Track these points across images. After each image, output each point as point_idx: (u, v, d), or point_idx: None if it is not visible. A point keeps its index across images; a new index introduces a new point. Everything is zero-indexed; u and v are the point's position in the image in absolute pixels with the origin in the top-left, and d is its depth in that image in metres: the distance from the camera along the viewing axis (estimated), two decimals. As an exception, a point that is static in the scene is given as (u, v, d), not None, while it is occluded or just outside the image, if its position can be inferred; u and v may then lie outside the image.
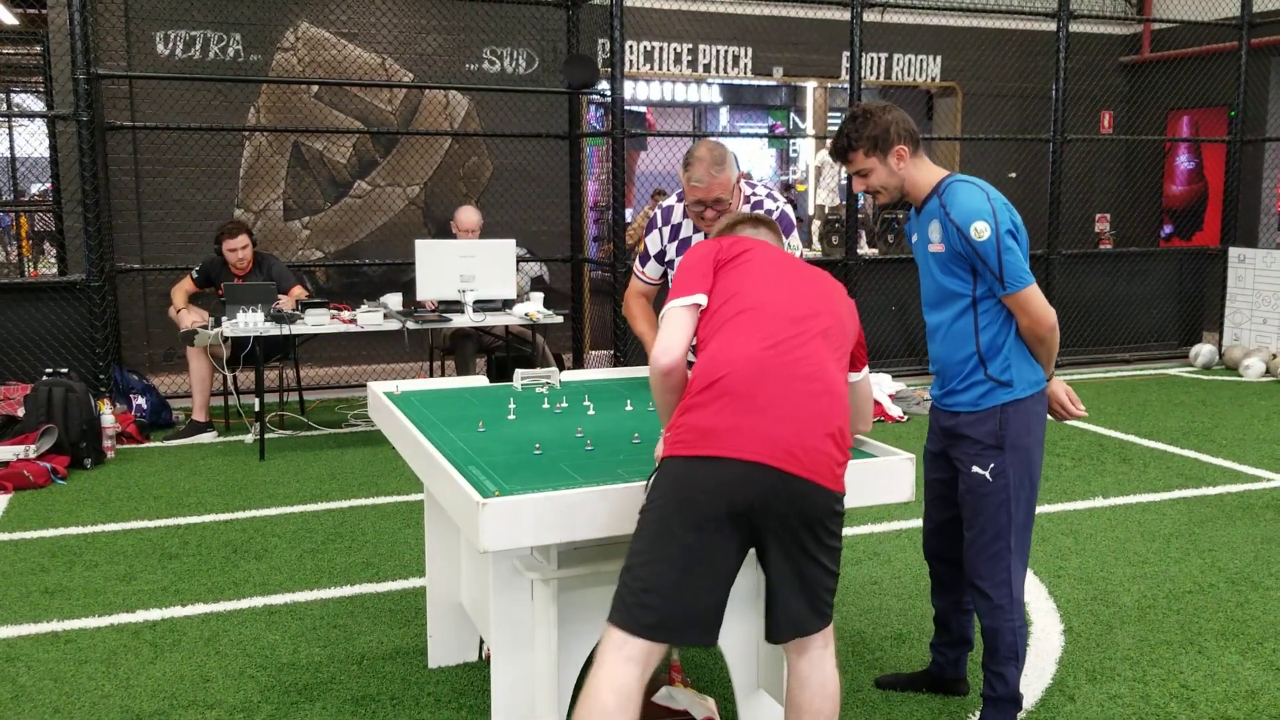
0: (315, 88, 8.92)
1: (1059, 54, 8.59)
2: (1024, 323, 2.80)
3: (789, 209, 3.67)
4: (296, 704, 3.24)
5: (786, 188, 18.18)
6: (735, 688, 2.92)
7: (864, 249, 14.81)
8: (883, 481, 2.69)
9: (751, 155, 19.34)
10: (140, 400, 6.81)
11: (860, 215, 17.72)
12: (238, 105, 8.75)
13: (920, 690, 3.25)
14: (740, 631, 2.87)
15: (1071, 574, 4.28)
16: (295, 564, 4.42)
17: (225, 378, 6.48)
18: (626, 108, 16.37)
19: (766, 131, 19.51)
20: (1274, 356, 8.51)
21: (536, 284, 9.51)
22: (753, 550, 2.33)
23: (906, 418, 7.10)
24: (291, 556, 4.51)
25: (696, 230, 3.61)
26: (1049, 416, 3.01)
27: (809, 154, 17.32)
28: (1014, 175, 11.84)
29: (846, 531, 4.71)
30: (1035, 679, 3.40)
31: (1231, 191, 9.48)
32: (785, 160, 20.26)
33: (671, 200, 3.70)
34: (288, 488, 5.54)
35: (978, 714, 3.07)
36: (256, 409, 6.21)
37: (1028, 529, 2.91)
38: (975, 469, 2.86)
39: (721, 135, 18.80)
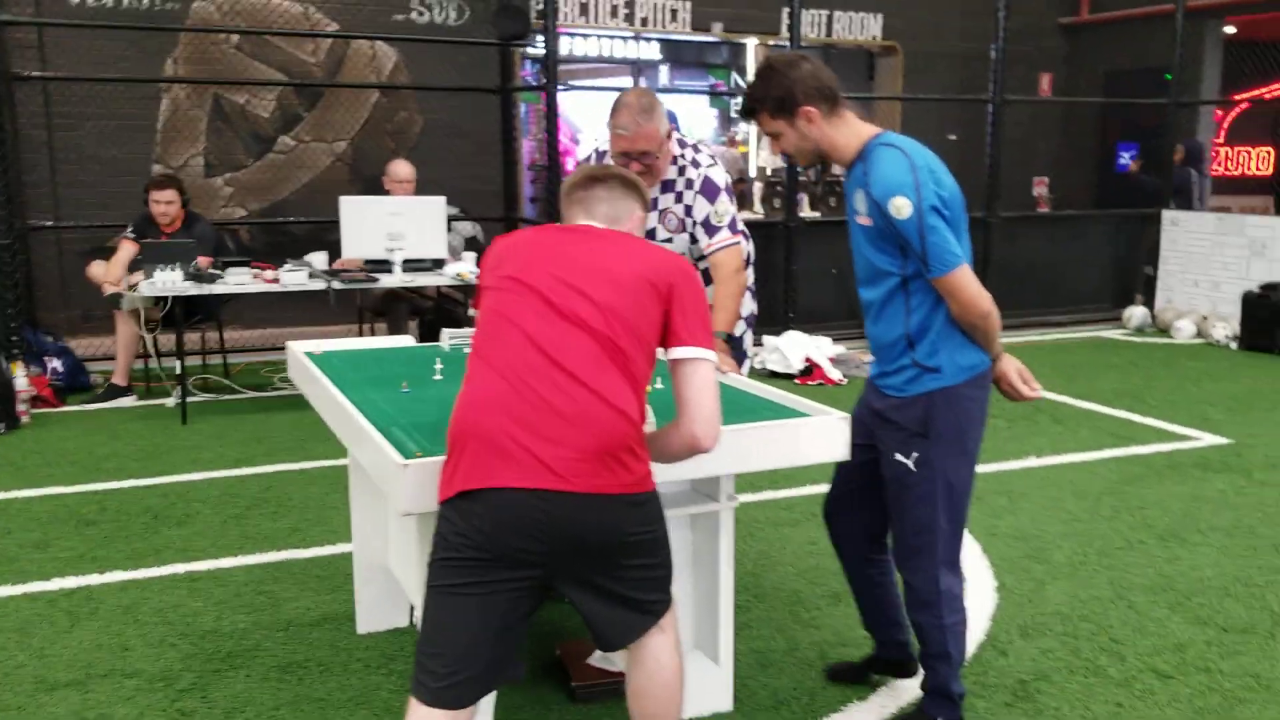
0: (235, 38, 8.61)
1: (997, 13, 8.57)
2: (954, 308, 2.52)
3: (718, 173, 3.49)
4: (219, 672, 3.14)
5: (734, 143, 18.05)
6: (669, 650, 2.86)
7: (806, 211, 14.82)
8: (818, 441, 2.63)
9: (693, 115, 19.21)
10: (55, 363, 6.57)
11: (804, 177, 17.77)
12: (154, 56, 8.41)
13: (873, 676, 3.07)
14: (675, 593, 2.81)
15: (1005, 532, 4.30)
16: (219, 530, 4.28)
17: (144, 339, 6.25)
18: (563, 64, 16.10)
19: (707, 90, 19.39)
20: (1204, 319, 8.64)
21: (470, 244, 9.33)
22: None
23: (846, 381, 7.11)
24: (215, 522, 4.37)
25: None
26: (1007, 395, 2.75)
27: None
28: (955, 137, 11.88)
29: (783, 493, 4.72)
30: (969, 635, 3.39)
31: (1166, 154, 9.57)
32: (727, 120, 20.17)
33: (604, 145, 3.52)
34: (211, 452, 5.38)
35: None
36: (178, 372, 6.01)
37: (958, 523, 2.68)
38: (898, 456, 2.62)
39: (661, 92, 18.65)
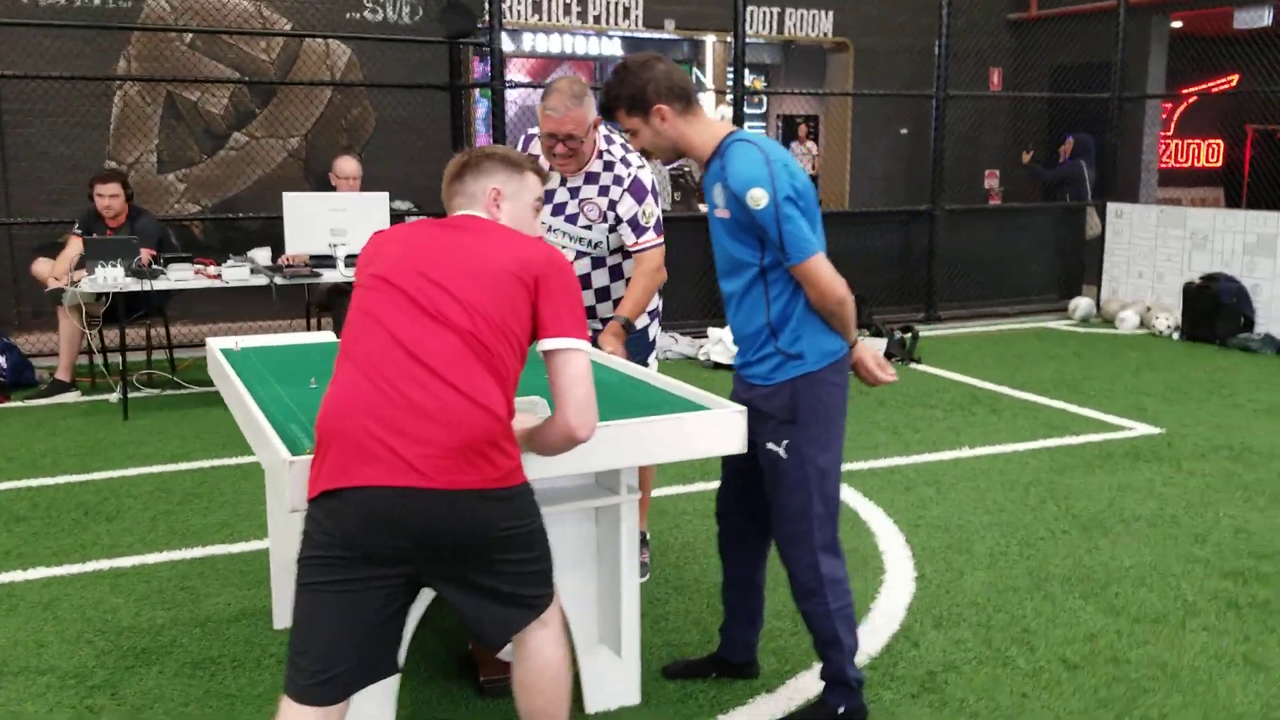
0: (189, 36, 8.58)
1: (941, 10, 8.64)
2: (811, 295, 2.61)
3: (646, 174, 3.58)
4: (133, 668, 3.14)
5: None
6: (575, 642, 2.89)
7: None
8: (715, 433, 2.66)
9: (655, 110, 19.24)
10: (0, 359, 6.53)
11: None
12: (107, 53, 8.39)
13: (709, 676, 3.07)
14: (577, 586, 2.84)
15: (930, 523, 4.35)
16: (148, 525, 4.28)
17: (86, 335, 6.23)
18: (521, 59, 16.04)
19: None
20: (1147, 309, 8.75)
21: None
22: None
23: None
24: (145, 518, 4.37)
25: (550, 169, 3.53)
26: (864, 380, 2.85)
27: (711, 110, 17.29)
28: (905, 131, 11.98)
29: (713, 484, 4.65)
30: (883, 626, 3.45)
31: (1111, 147, 9.67)
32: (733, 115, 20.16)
33: (534, 130, 3.60)
34: (149, 447, 5.37)
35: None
36: (121, 368, 5.99)
37: (832, 507, 2.74)
38: (770, 445, 2.68)
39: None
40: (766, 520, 2.86)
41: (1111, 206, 9.33)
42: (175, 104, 8.90)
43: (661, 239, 3.60)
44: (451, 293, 2.16)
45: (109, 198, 6.40)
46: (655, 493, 4.67)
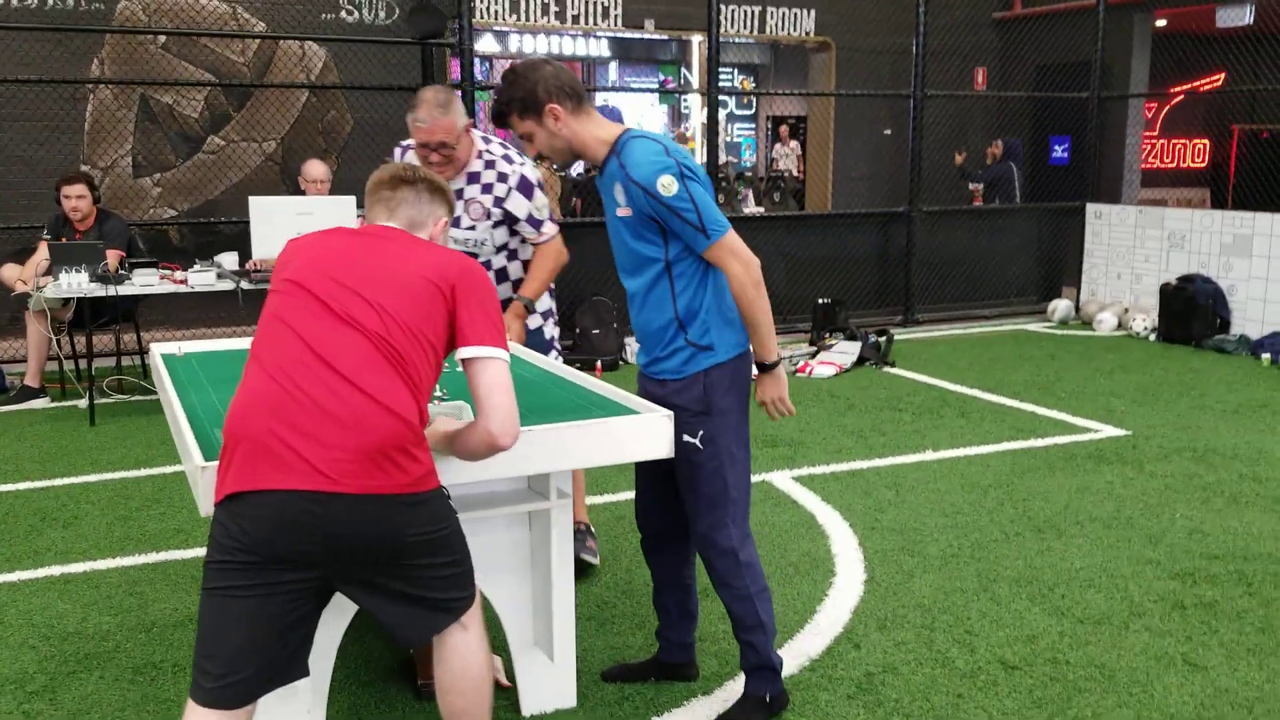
0: (162, 38, 8.59)
1: (919, 9, 8.64)
2: (735, 269, 2.60)
3: (530, 170, 3.69)
4: (74, 674, 3.15)
5: (684, 139, 18.11)
6: (510, 645, 2.90)
7: (751, 207, 14.89)
8: (642, 438, 2.66)
9: (643, 112, 19.26)
10: (-32, 365, 6.52)
11: (748, 174, 17.85)
12: (79, 56, 8.39)
13: (648, 679, 3.08)
14: (511, 590, 2.85)
15: (885, 526, 4.35)
16: (103, 531, 4.29)
17: (53, 341, 6.23)
18: (506, 61, 15.99)
19: (658, 87, 19.43)
20: (1125, 311, 8.75)
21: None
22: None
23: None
24: (101, 524, 4.37)
25: None
26: (762, 402, 2.85)
27: (697, 112, 17.31)
28: (889, 132, 11.98)
29: (610, 498, 4.69)
30: (827, 628, 3.46)
31: (1091, 147, 9.68)
32: (677, 117, 20.22)
33: (410, 141, 3.71)
34: (113, 453, 5.37)
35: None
36: (88, 373, 6.00)
37: (745, 492, 2.80)
38: (685, 437, 2.71)
39: (610, 90, 18.67)
40: (684, 519, 2.87)
41: (1090, 207, 9.33)
42: (150, 107, 8.90)
43: (557, 227, 3.79)
44: (364, 297, 2.17)
45: (75, 199, 6.39)
46: (610, 498, 4.69)
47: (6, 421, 6.01)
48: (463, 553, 2.29)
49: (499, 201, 3.65)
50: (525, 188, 3.65)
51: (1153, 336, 8.36)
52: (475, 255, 3.73)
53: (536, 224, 3.70)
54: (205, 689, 2.08)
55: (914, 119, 8.92)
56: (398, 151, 3.79)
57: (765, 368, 2.77)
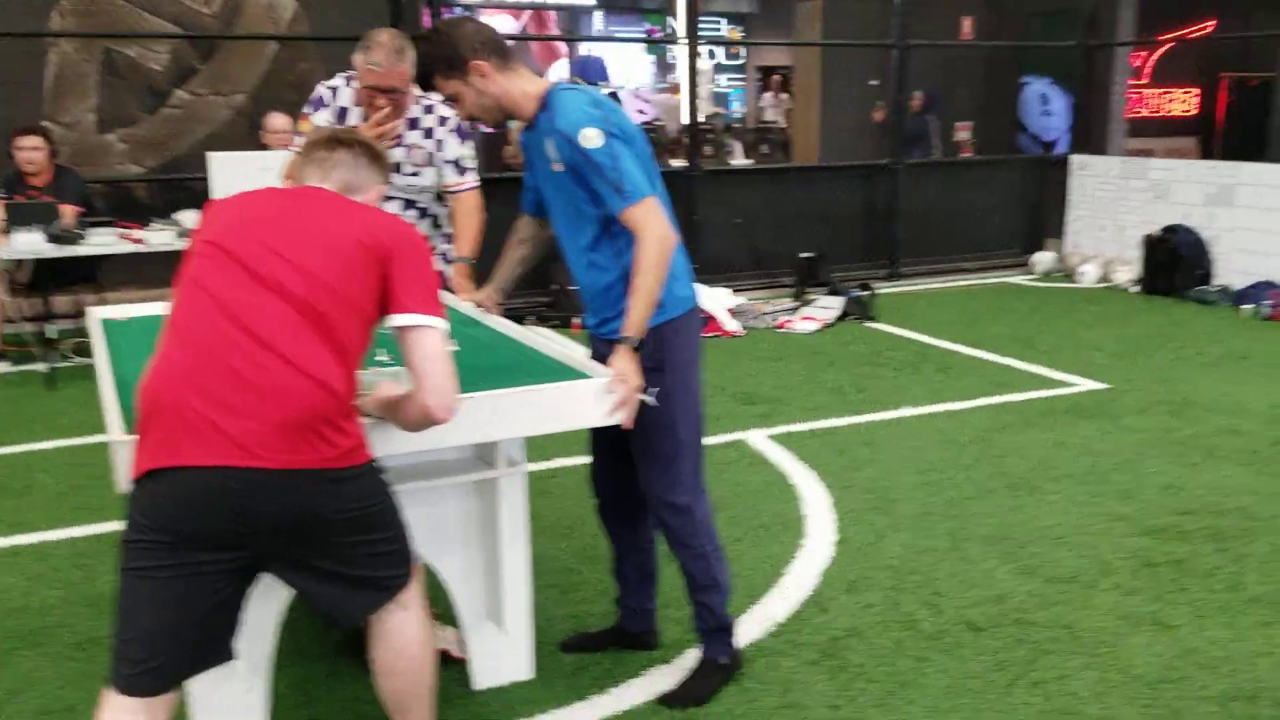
0: (125, -10, 8.35)
1: (900, -45, 8.45)
2: (648, 236, 2.43)
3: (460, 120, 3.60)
4: (15, 650, 3.06)
5: (676, 90, 17.82)
6: (462, 619, 2.81)
7: (740, 159, 14.70)
8: (592, 403, 2.54)
9: (630, 62, 18.97)
10: (-74, 328, 6.37)
11: (736, 125, 17.63)
12: (37, 9, 8.15)
13: (608, 648, 3.02)
14: (461, 562, 2.76)
15: (860, 485, 4.27)
16: (55, 501, 4.18)
17: (5, 303, 6.09)
18: (489, 9, 15.72)
19: (644, 36, 19.16)
20: (1108, 263, 8.65)
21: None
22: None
23: (745, 332, 7.05)
24: (54, 493, 4.27)
25: (365, 119, 3.47)
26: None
27: (683, 62, 17.04)
28: (876, 83, 11.79)
29: (573, 460, 4.52)
30: (794, 592, 3.38)
31: (1079, 97, 9.51)
32: (664, 67, 19.93)
33: (337, 80, 3.57)
34: (72, 419, 5.25)
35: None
36: (49, 336, 5.87)
37: (699, 448, 2.72)
38: (640, 395, 2.56)
39: (597, 40, 18.39)
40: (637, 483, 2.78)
41: (1075, 158, 9.19)
42: (114, 61, 8.67)
43: (479, 182, 3.69)
44: (290, 260, 2.03)
45: (29, 150, 6.20)
46: (573, 460, 4.56)
47: (-35, 386, 5.89)
48: (398, 529, 2.18)
49: (441, 145, 3.58)
50: (463, 132, 3.60)
51: (1136, 288, 8.26)
52: (414, 202, 3.64)
53: (462, 170, 3.61)
54: (124, 675, 1.97)
55: (898, 70, 8.74)
56: (325, 91, 3.58)
57: (627, 341, 2.50)
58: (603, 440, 2.85)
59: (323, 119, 3.53)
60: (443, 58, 2.54)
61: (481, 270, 3.40)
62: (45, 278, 5.96)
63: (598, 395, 2.50)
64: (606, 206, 2.51)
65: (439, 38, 2.55)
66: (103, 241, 5.73)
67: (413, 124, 3.55)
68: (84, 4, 8.36)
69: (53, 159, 6.38)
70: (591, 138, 2.45)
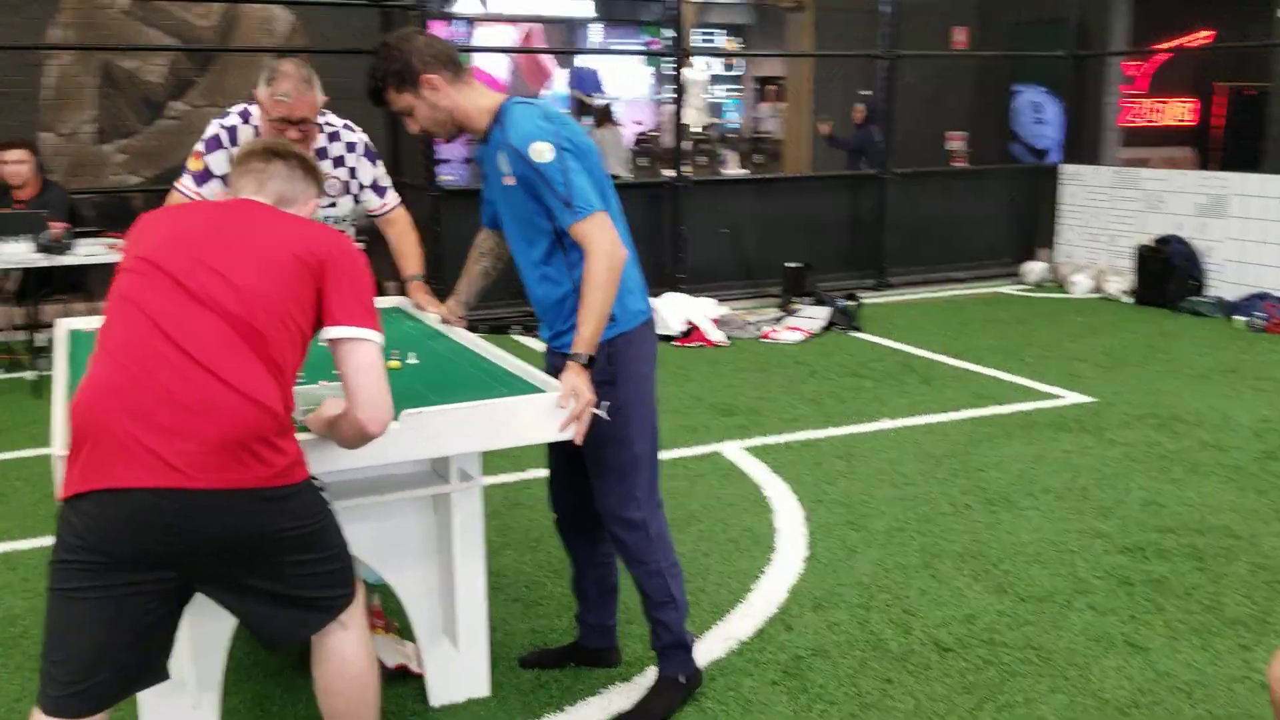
0: (124, 1, 8.39)
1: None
2: (596, 250, 2.42)
3: (366, 138, 3.52)
4: (-31, 663, 3.05)
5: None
6: (418, 634, 2.80)
7: (734, 169, 14.68)
8: (544, 419, 2.53)
9: (628, 74, 18.97)
10: (-86, 338, 6.39)
11: (731, 135, 17.62)
12: (36, 22, 8.19)
13: (568, 665, 3.00)
14: (417, 579, 2.74)
15: (833, 499, 4.25)
16: (29, 509, 4.18)
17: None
18: (485, 22, 15.73)
19: (643, 48, 19.15)
20: (1100, 273, 8.62)
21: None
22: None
23: (730, 342, 7.03)
24: (29, 501, 4.26)
25: None
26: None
27: (691, 71, 17.03)
28: (869, 93, 11.76)
29: (536, 473, 4.37)
30: (760, 609, 3.36)
31: (1070, 107, 9.49)
32: (661, 79, 19.93)
33: (234, 119, 3.34)
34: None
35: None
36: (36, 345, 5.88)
37: (653, 462, 2.70)
38: (592, 410, 2.54)
39: (594, 53, 18.40)
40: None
41: (1066, 168, 9.17)
42: (112, 73, 8.70)
43: (399, 199, 3.63)
44: (222, 274, 2.02)
45: (14, 164, 6.22)
46: (536, 473, 4.52)
47: (-50, 396, 5.90)
48: (338, 548, 2.17)
49: (354, 172, 3.48)
50: (371, 155, 3.50)
51: (1128, 299, 8.23)
52: None
53: (381, 191, 3.53)
54: (51, 696, 1.96)
55: (888, 80, 8.73)
56: (222, 131, 3.32)
57: (577, 357, 2.46)
58: (559, 455, 2.84)
59: (219, 162, 3.31)
60: (394, 72, 2.54)
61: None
62: (34, 287, 5.97)
63: (548, 411, 2.49)
64: (556, 220, 2.50)
65: (390, 52, 2.54)
66: (91, 251, 5.74)
67: (321, 154, 3.42)
68: (83, 16, 8.39)
69: (39, 173, 6.39)
70: (542, 151, 2.44)
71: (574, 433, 2.49)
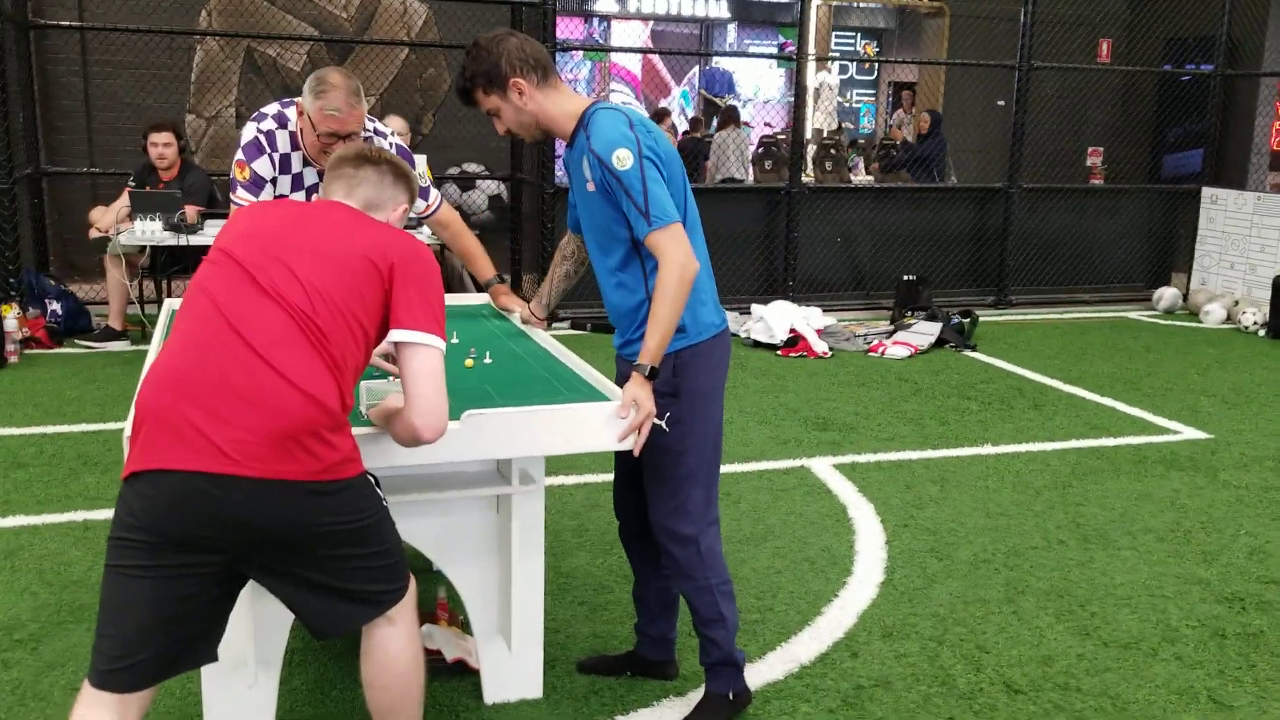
0: (266, -10, 8.73)
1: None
2: (669, 261, 2.40)
3: (402, 142, 3.41)
4: (63, 624, 3.20)
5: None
6: (475, 632, 2.83)
7: (863, 176, 14.46)
8: (612, 428, 2.51)
9: (760, 76, 18.86)
10: (55, 305, 6.76)
11: (861, 141, 17.33)
12: (188, 8, 8.59)
13: (624, 674, 2.98)
14: (476, 576, 2.77)
15: (920, 524, 4.14)
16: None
17: (127, 286, 6.41)
18: (622, 20, 15.83)
19: (777, 51, 19.01)
20: (1235, 303, 8.20)
21: (494, 201, 9.34)
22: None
23: (831, 354, 6.91)
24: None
25: (307, 164, 3.24)
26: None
27: (811, 76, 16.84)
28: (1003, 103, 11.43)
29: (587, 477, 4.47)
30: (826, 633, 3.29)
31: (1213, 128, 9.06)
32: (793, 82, 19.74)
33: (270, 124, 3.21)
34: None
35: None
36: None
37: (712, 480, 2.66)
38: (652, 420, 2.51)
39: (728, 55, 18.35)
40: None
41: (1206, 191, 8.74)
42: (254, 59, 9.06)
43: (440, 197, 3.58)
44: (293, 271, 2.08)
45: (162, 146, 6.55)
46: (606, 476, 4.54)
47: (83, 363, 6.21)
48: (391, 543, 2.20)
49: None
50: (407, 157, 3.44)
51: (1262, 332, 7.80)
52: None
53: (424, 193, 3.45)
54: (99, 670, 2.03)
55: (1019, 92, 8.46)
56: (260, 136, 3.20)
57: (641, 368, 2.46)
58: (623, 463, 2.83)
59: (264, 167, 3.19)
60: (483, 73, 2.55)
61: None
62: (165, 263, 6.25)
63: (608, 419, 2.48)
64: (633, 229, 2.50)
65: (480, 53, 2.56)
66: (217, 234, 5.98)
67: None
68: (230, 4, 8.76)
69: (182, 155, 6.70)
70: (623, 159, 2.43)
71: (632, 443, 2.48)
